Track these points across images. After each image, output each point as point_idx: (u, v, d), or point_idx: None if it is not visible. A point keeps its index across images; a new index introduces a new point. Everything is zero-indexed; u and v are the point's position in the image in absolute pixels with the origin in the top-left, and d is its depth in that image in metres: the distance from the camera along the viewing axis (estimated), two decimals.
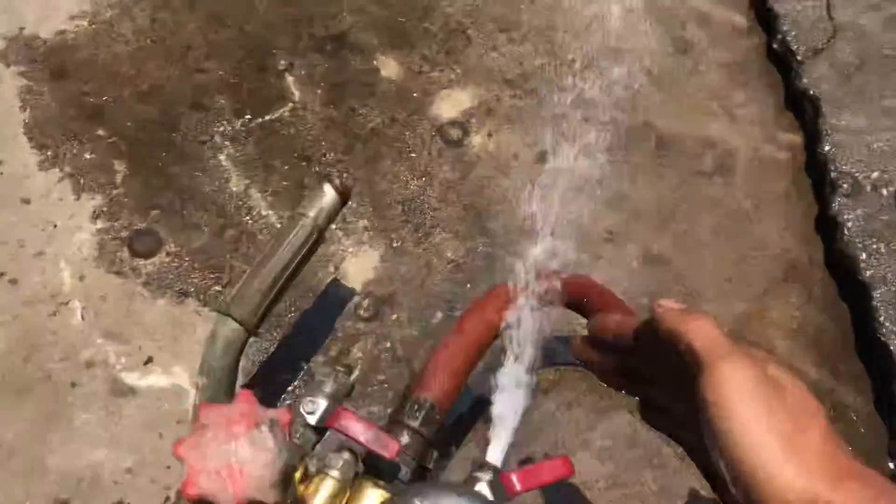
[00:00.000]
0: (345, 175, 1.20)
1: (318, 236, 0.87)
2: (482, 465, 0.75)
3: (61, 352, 1.03)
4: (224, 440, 0.51)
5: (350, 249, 1.14)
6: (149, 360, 1.03)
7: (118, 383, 1.01)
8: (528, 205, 1.20)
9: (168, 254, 1.12)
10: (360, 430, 0.70)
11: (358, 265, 1.13)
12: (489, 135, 1.27)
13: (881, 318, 1.09)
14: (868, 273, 1.12)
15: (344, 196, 0.88)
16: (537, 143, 1.26)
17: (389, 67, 1.34)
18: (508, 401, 0.76)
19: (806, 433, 0.43)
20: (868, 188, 1.20)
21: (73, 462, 0.96)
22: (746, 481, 0.42)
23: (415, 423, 0.79)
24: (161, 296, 1.08)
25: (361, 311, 1.09)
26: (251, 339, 0.85)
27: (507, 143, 1.26)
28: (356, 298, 1.10)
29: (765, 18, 1.43)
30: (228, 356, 0.83)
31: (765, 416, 0.43)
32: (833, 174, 1.22)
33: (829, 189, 1.22)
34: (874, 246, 1.14)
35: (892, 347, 1.07)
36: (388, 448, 0.77)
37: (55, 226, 1.13)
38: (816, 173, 1.26)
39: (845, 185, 1.20)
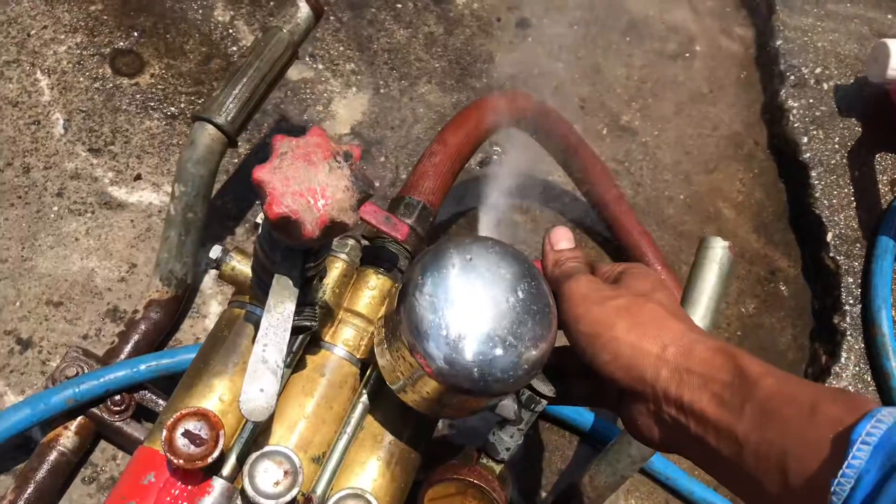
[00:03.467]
0: None
1: (293, 52, 0.88)
2: None
3: (44, 161, 1.00)
4: (304, 166, 0.53)
5: (338, 90, 1.15)
6: (138, 177, 1.02)
7: (106, 196, 1.00)
8: (510, 67, 1.25)
9: (153, 76, 1.09)
10: (370, 212, 0.74)
11: (347, 107, 1.14)
12: None
13: (816, 194, 1.22)
14: (807, 155, 1.25)
15: (317, 12, 0.89)
16: (519, 7, 1.30)
17: None
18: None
19: (638, 308, 0.54)
20: (812, 82, 1.32)
21: (64, 267, 0.94)
22: (592, 349, 0.53)
23: (409, 221, 0.83)
24: (147, 117, 1.06)
25: None
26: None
27: (491, 6, 1.29)
28: (345, 139, 1.12)
29: None
30: (207, 164, 0.84)
31: (600, 302, 0.54)
32: (782, 66, 1.33)
33: (778, 80, 1.33)
34: (814, 132, 1.27)
35: (823, 219, 1.20)
36: (399, 230, 0.81)
37: (28, 34, 1.07)
38: (766, 66, 1.37)
39: (792, 78, 1.32)
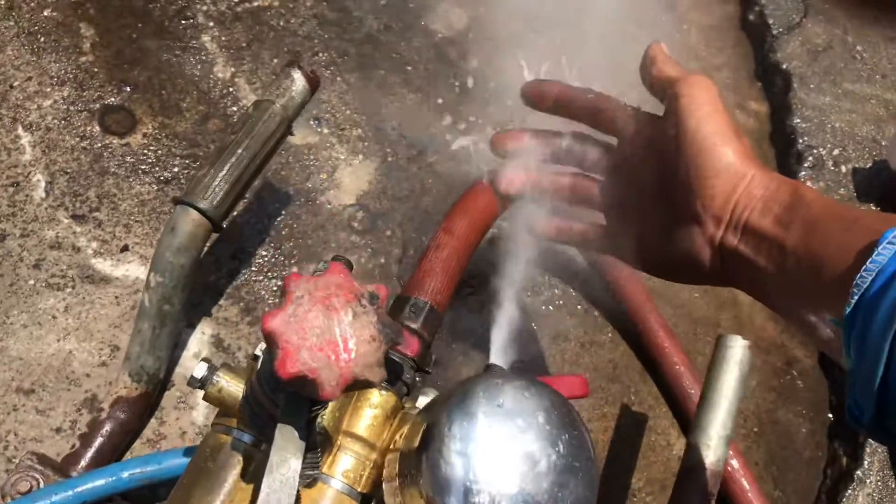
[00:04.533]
0: (314, 58, 1.13)
1: (287, 128, 0.82)
2: (489, 366, 0.74)
3: (21, 228, 0.91)
4: (323, 312, 0.46)
5: (343, 157, 1.08)
6: (124, 249, 0.93)
7: (89, 269, 0.91)
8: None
9: (145, 135, 1.01)
10: None
11: (352, 175, 1.07)
12: (485, 60, 1.23)
13: None
14: None
15: (313, 84, 0.83)
16: (536, 64, 1.24)
17: None
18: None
19: (743, 138, 0.56)
20: (830, 164, 1.28)
21: (38, 349, 0.85)
22: (699, 162, 0.54)
23: (415, 325, 0.77)
24: (138, 181, 0.98)
25: (355, 224, 1.04)
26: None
27: (503, 66, 1.24)
28: (350, 210, 1.04)
29: None
30: (189, 252, 0.77)
31: (721, 115, 0.56)
32: (800, 146, 1.29)
33: (795, 160, 1.28)
34: None
35: None
36: (410, 344, 0.74)
37: (11, 86, 0.99)
38: (782, 144, 1.33)
39: (811, 159, 1.27)
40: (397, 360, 0.71)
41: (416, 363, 0.75)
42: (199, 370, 0.59)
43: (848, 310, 0.41)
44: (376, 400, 0.64)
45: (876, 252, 0.41)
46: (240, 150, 0.78)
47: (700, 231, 0.55)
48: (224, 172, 0.77)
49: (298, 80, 0.79)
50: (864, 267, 0.41)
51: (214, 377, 0.59)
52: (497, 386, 0.53)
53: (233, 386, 0.59)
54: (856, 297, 0.41)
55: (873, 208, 1.24)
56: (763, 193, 0.53)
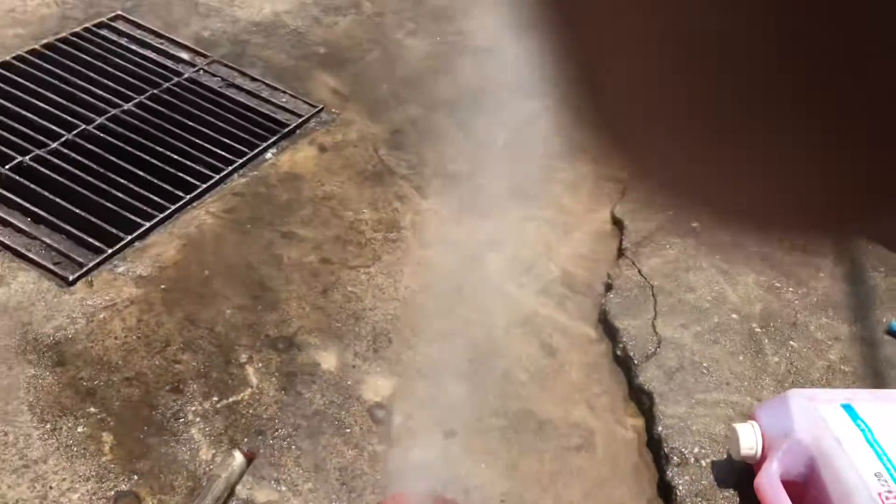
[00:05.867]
0: (245, 440, 1.50)
1: (231, 491, 1.17)
2: None
3: None
4: None
5: None
6: None
7: None
8: (433, 480, 1.53)
9: None
10: None
11: None
12: (407, 417, 1.62)
13: None
14: None
15: (250, 458, 1.20)
16: (447, 422, 1.62)
17: (328, 361, 1.71)
18: None
19: None
20: (692, 460, 1.60)
21: None
22: None
23: None
24: None
25: None
26: None
27: (423, 427, 1.62)
28: None
29: (609, 331, 1.91)
30: None
31: None
32: (666, 449, 1.62)
33: (665, 460, 1.61)
34: (700, 503, 1.52)
35: None
36: None
37: (50, 487, 1.36)
38: (654, 448, 1.66)
39: (675, 458, 1.60)
40: None
41: None
42: None
43: None
44: None
45: None
46: None
47: None
48: None
49: (238, 457, 1.17)
50: None
51: None
52: None
53: None
54: None
55: (732, 492, 1.54)
56: None
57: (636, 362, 1.81)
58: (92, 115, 2.15)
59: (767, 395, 1.75)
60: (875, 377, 1.82)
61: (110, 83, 2.27)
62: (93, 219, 1.86)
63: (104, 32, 2.48)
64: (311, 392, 1.63)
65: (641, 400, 1.76)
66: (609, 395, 1.79)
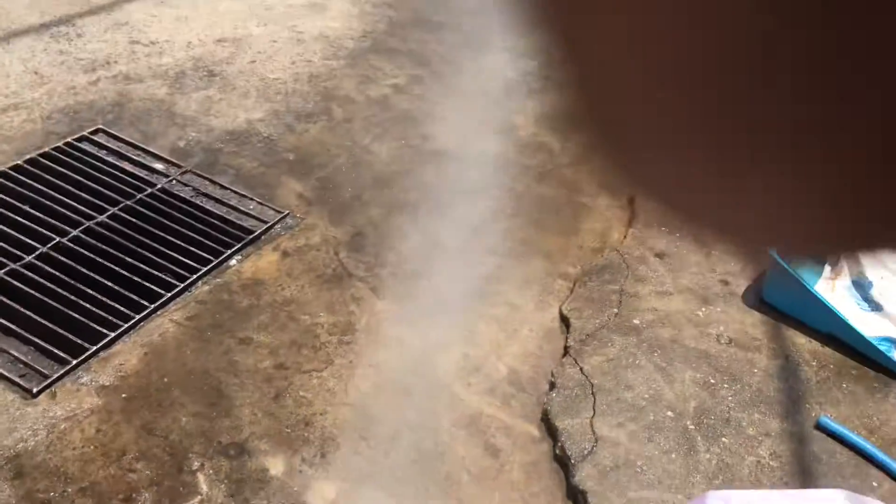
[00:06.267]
0: None
1: None
2: None
3: None
4: None
5: None
6: None
7: None
8: None
9: None
10: None
11: None
12: None
13: None
14: None
15: None
16: None
17: (277, 466, 1.80)
18: None
19: None
20: None
21: None
22: None
23: None
24: None
25: None
26: None
27: None
28: None
29: (550, 430, 2.00)
30: None
31: None
32: None
33: None
34: None
35: None
36: None
37: None
38: None
39: None
40: None
41: None
42: None
43: None
44: None
45: None
46: None
47: None
48: None
49: None
50: None
51: None
52: None
53: None
54: None
55: None
56: None
57: (573, 461, 1.89)
58: (67, 228, 2.30)
59: (698, 492, 1.83)
60: (802, 473, 1.90)
61: (87, 196, 2.43)
62: (60, 330, 1.98)
63: (84, 146, 2.65)
64: (259, 498, 1.71)
65: (577, 499, 1.84)
66: (548, 494, 1.87)
